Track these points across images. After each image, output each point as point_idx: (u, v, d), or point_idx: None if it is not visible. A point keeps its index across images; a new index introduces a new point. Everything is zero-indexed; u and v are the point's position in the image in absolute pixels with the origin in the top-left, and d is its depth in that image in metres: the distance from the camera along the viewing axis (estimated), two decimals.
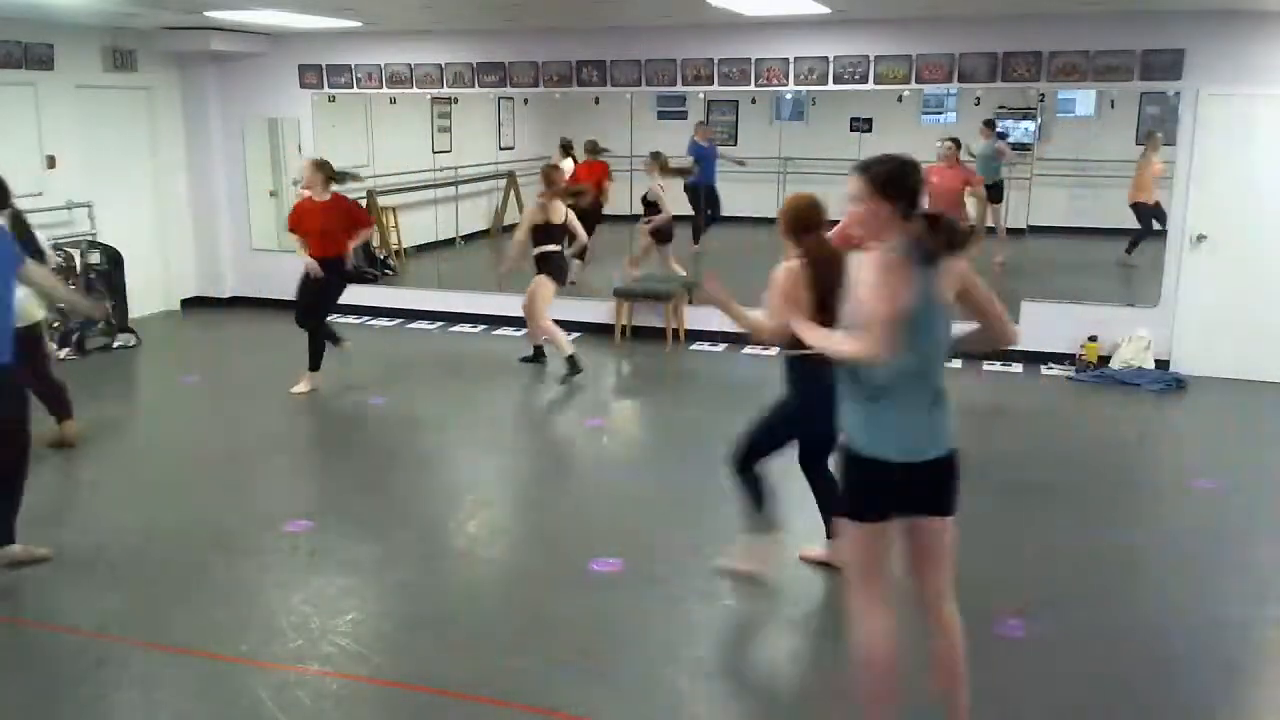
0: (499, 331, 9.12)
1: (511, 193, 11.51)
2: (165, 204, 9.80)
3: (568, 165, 10.36)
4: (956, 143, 8.66)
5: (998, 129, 9.35)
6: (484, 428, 6.54)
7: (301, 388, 7.02)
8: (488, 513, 5.13)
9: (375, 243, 10.72)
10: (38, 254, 5.74)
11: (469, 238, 11.07)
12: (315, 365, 7.05)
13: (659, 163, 9.11)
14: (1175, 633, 3.93)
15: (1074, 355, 7.80)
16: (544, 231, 7.28)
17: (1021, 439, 6.45)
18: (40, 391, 5.40)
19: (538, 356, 7.84)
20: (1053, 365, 7.87)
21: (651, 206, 9.23)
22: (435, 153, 10.39)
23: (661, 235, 9.26)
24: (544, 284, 7.33)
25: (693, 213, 10.07)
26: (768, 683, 3.51)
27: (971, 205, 8.88)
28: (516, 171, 11.29)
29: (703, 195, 9.98)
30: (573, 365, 7.32)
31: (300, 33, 9.19)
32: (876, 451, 2.77)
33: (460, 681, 3.51)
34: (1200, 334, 7.54)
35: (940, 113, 10.47)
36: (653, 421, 6.89)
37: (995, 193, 9.18)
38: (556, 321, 7.36)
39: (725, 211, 10.16)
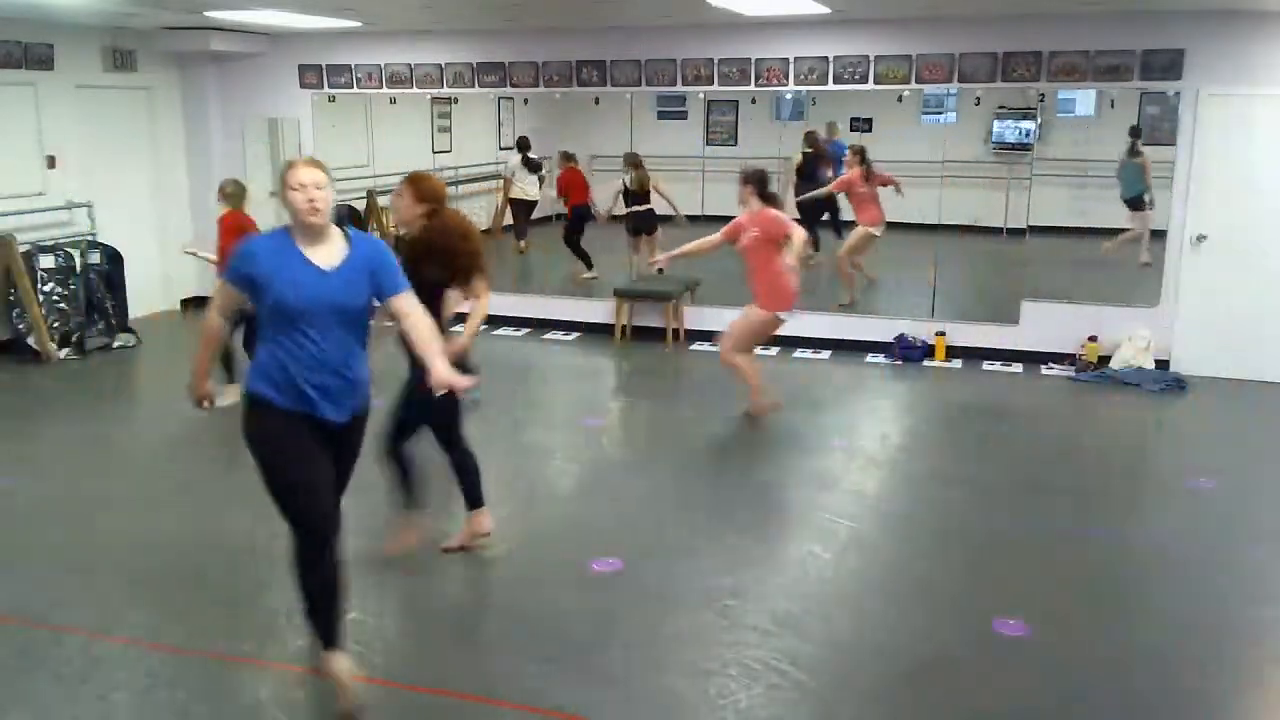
0: (498, 331, 9.12)
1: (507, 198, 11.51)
2: (165, 204, 9.80)
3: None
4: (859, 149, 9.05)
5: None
6: (482, 427, 6.53)
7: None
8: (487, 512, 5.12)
9: None
10: None
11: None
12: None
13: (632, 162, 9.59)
14: (1174, 632, 3.93)
15: (1074, 355, 7.80)
16: None
17: (1021, 439, 6.45)
18: None
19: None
20: (1053, 365, 7.87)
21: (633, 197, 9.57)
22: (435, 153, 10.39)
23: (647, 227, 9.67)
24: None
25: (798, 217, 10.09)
26: (767, 683, 3.51)
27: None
28: (519, 177, 11.28)
29: (823, 199, 9.96)
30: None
31: (300, 33, 9.19)
32: None
33: (460, 681, 3.51)
34: (1200, 334, 7.54)
35: (940, 113, 10.46)
36: (652, 421, 6.89)
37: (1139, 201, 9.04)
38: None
39: (720, 212, 10.13)
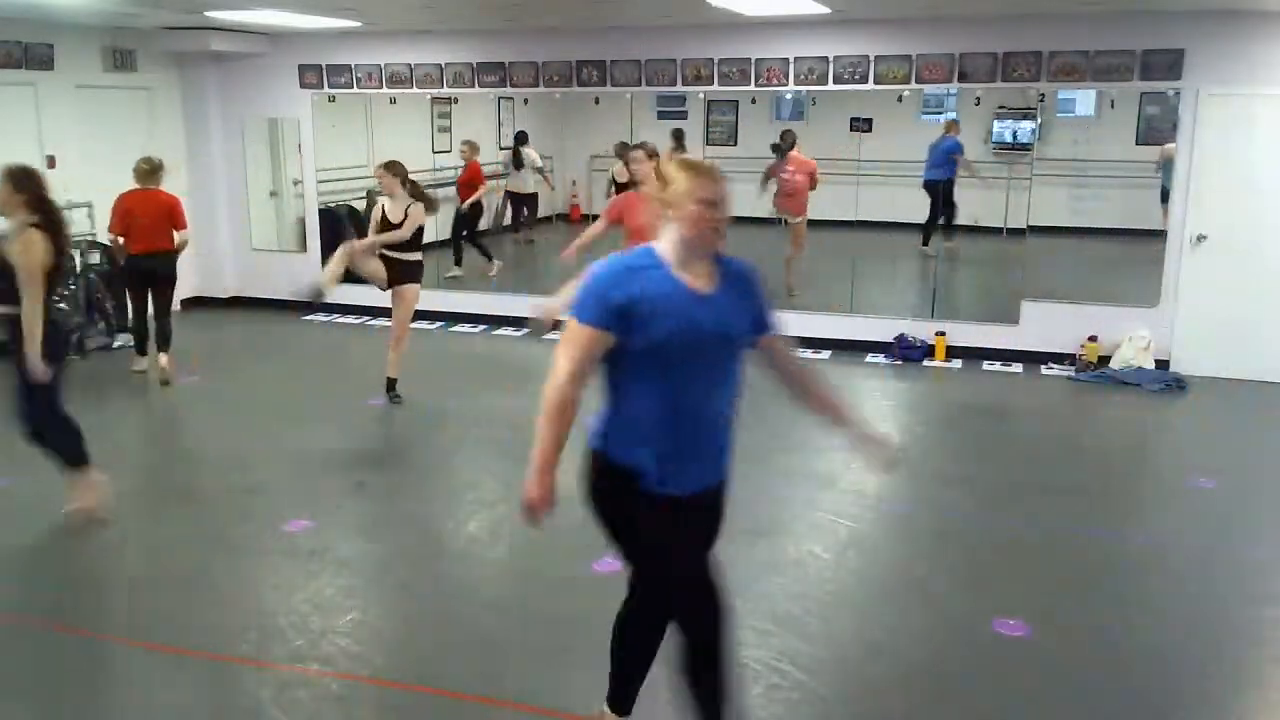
0: (499, 331, 9.13)
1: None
2: None
3: (533, 155, 10.99)
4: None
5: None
6: (484, 427, 6.54)
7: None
8: (488, 513, 5.13)
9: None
10: None
11: (469, 238, 11.07)
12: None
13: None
14: (1175, 632, 3.93)
15: (1074, 355, 7.80)
16: (420, 233, 6.67)
17: (1021, 439, 6.45)
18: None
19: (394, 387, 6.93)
20: (1053, 365, 7.87)
21: (621, 188, 9.58)
22: (435, 153, 10.40)
23: None
24: (417, 292, 6.83)
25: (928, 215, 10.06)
26: (767, 683, 3.50)
27: None
28: (511, 174, 11.34)
29: (941, 194, 9.92)
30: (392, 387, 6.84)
31: (300, 33, 9.19)
32: None
33: (460, 682, 3.51)
34: (1200, 334, 7.54)
35: (940, 112, 10.46)
36: None
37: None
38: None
39: None
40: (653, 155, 6.33)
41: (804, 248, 9.26)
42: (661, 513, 2.66)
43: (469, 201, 10.35)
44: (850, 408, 2.95)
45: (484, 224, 11.72)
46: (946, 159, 9.90)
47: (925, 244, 10.18)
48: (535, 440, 2.61)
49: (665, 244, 2.62)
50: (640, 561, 2.82)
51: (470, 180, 10.38)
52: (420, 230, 6.61)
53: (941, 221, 10.14)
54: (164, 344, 7.42)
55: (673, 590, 2.80)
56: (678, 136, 9.68)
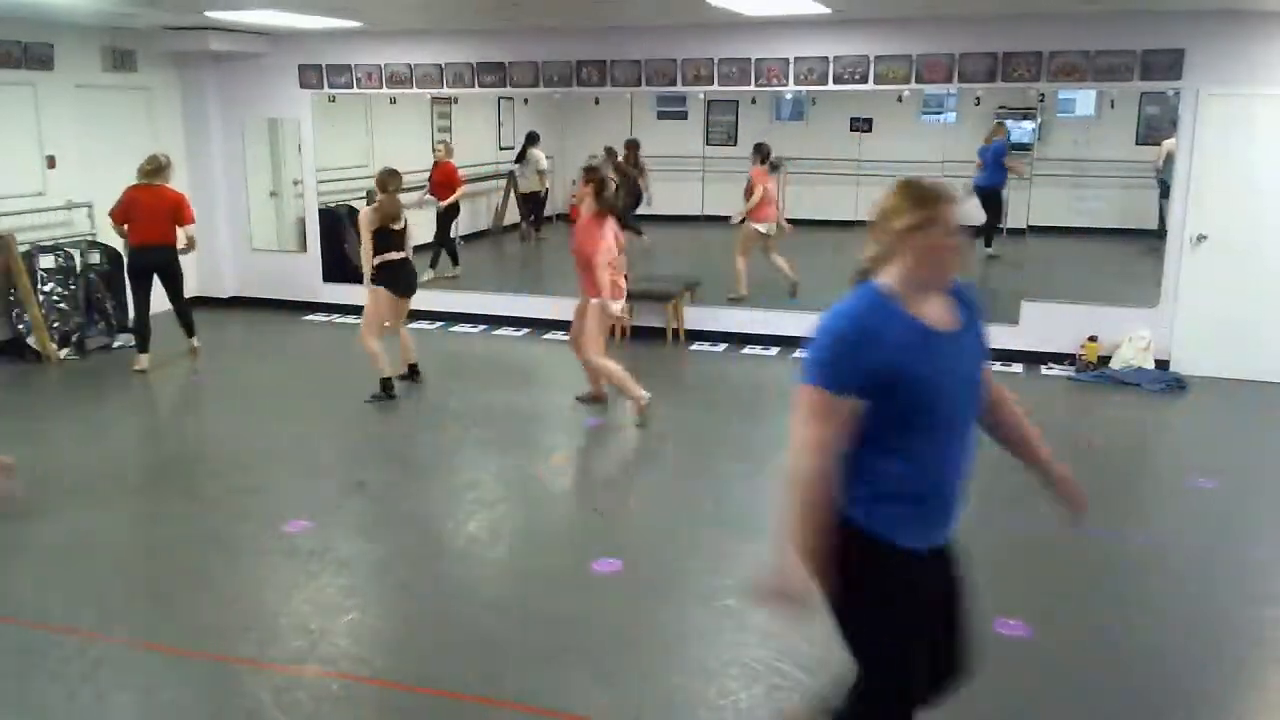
0: (499, 331, 9.13)
1: (512, 193, 11.59)
2: None
3: (538, 155, 11.02)
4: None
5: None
6: (484, 427, 6.54)
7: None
8: (488, 513, 5.14)
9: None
10: None
11: (469, 238, 11.08)
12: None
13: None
14: (1175, 632, 3.93)
15: (1074, 355, 7.81)
16: (383, 237, 6.69)
17: None
18: None
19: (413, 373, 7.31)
20: (1053, 365, 7.87)
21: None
22: (435, 153, 10.39)
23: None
24: (381, 296, 6.79)
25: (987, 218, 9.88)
26: (768, 683, 3.51)
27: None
28: (516, 171, 11.36)
29: (994, 199, 9.76)
30: (386, 388, 6.83)
31: (300, 33, 9.19)
32: None
33: (460, 682, 3.51)
34: (1200, 334, 7.54)
35: (940, 112, 10.46)
36: (652, 421, 6.89)
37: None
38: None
39: (720, 211, 9.93)
40: (590, 180, 6.24)
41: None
42: (918, 586, 2.35)
43: (446, 202, 10.28)
44: (1042, 444, 2.73)
45: (484, 224, 11.76)
46: (996, 162, 9.81)
47: (988, 245, 10.06)
48: (780, 522, 2.22)
49: (894, 280, 2.27)
50: (868, 659, 2.42)
51: (445, 181, 10.32)
52: (377, 234, 6.66)
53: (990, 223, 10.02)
54: (188, 328, 7.98)
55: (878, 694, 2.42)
56: (631, 146, 9.66)
